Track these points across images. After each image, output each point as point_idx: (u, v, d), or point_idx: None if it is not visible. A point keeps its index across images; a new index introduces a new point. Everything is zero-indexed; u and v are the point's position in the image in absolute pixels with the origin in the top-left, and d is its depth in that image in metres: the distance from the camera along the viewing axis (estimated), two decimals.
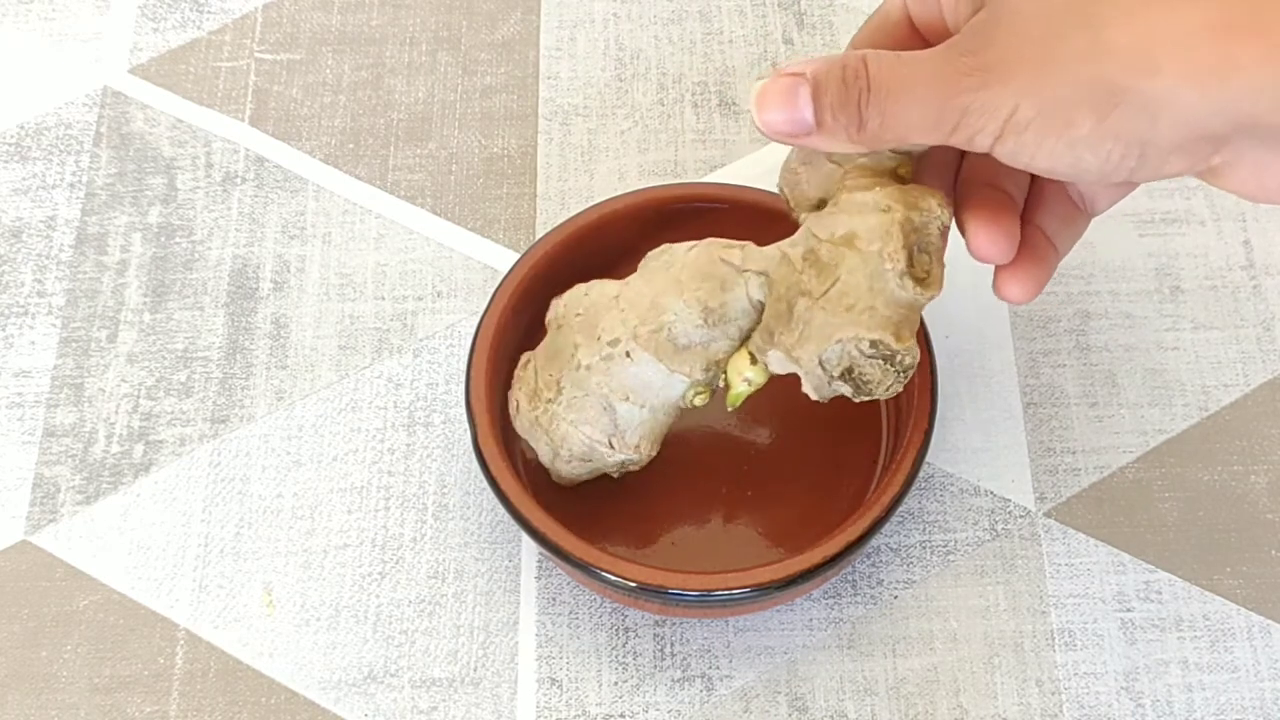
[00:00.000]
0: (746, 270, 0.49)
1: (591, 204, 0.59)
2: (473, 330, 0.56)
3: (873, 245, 0.47)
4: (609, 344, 0.51)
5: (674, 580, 0.51)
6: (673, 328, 0.50)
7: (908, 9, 0.49)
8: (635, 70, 0.68)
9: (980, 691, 0.54)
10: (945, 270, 0.48)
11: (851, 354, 0.47)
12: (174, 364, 0.61)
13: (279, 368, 0.61)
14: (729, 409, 0.52)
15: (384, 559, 0.57)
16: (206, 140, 0.66)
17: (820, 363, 0.48)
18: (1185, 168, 0.43)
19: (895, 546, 0.57)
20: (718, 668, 0.55)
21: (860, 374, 0.48)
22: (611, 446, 0.52)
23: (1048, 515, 0.57)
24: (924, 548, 0.57)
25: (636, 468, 0.53)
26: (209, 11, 0.70)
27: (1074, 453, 0.58)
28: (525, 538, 0.56)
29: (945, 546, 0.57)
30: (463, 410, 0.59)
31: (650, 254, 0.52)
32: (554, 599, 0.56)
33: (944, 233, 0.48)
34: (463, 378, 0.58)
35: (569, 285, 0.55)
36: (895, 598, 0.56)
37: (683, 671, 0.55)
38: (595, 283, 0.53)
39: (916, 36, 0.49)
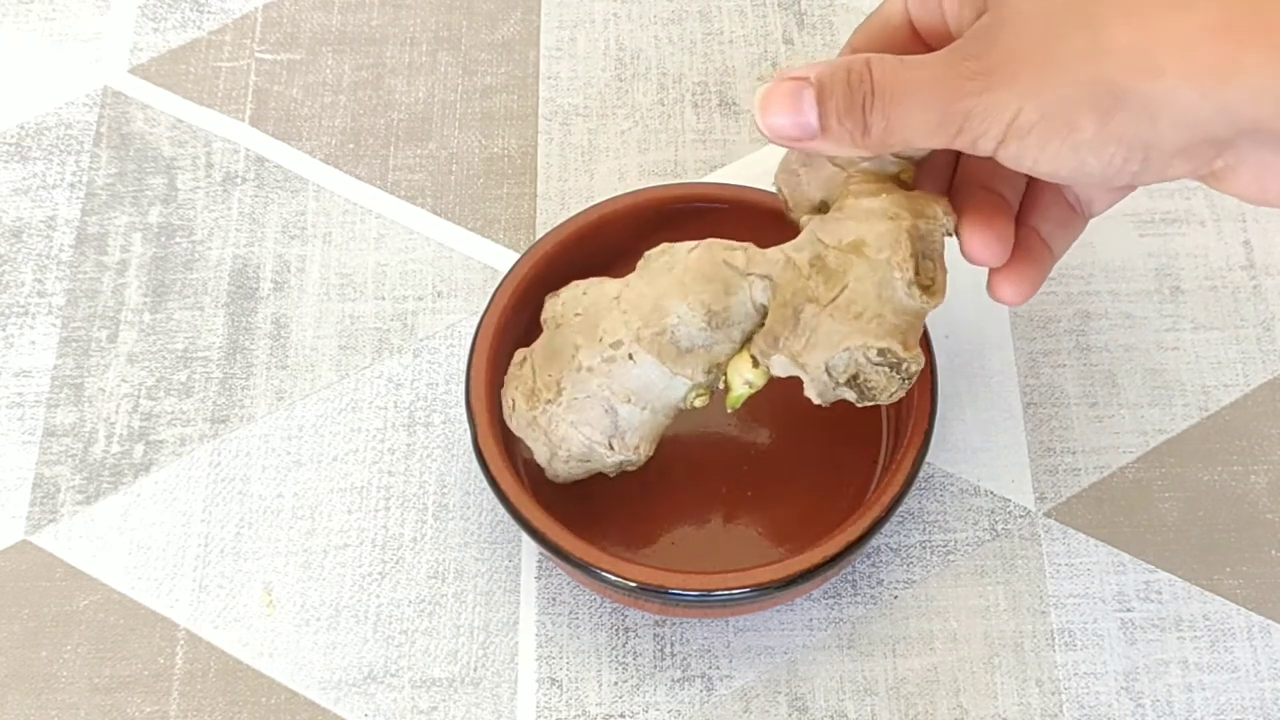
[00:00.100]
0: (750, 274, 0.49)
1: (591, 204, 0.59)
2: (473, 330, 0.56)
3: (881, 253, 0.47)
4: (611, 346, 0.51)
5: (674, 580, 0.51)
6: (675, 330, 0.50)
7: (909, 13, 0.49)
8: (635, 70, 0.68)
9: (980, 691, 0.54)
10: (948, 275, 0.48)
11: (859, 361, 0.47)
12: (174, 364, 0.61)
13: (279, 368, 0.61)
14: (729, 410, 0.52)
15: (384, 559, 0.57)
16: (207, 140, 0.66)
17: (827, 369, 0.48)
18: (1188, 171, 0.43)
19: (895, 546, 0.57)
20: (718, 668, 0.55)
21: (865, 380, 0.48)
22: (611, 448, 0.52)
23: (1048, 515, 0.57)
24: (924, 548, 0.57)
25: (634, 468, 0.53)
26: (209, 11, 0.70)
27: (1074, 453, 0.58)
28: (525, 538, 0.56)
29: (945, 546, 0.57)
30: (463, 410, 0.59)
31: (650, 253, 0.52)
32: (554, 599, 0.56)
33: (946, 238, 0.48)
34: (463, 378, 0.58)
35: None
36: (895, 598, 0.56)
37: (683, 671, 0.55)
38: (593, 281, 0.53)
39: (918, 40, 0.49)
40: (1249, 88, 0.40)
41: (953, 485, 0.58)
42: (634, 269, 0.52)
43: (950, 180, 0.51)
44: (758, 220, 0.56)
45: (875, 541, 0.57)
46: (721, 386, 0.52)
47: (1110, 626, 0.55)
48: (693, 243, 0.51)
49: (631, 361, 0.50)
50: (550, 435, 0.52)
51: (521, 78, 0.68)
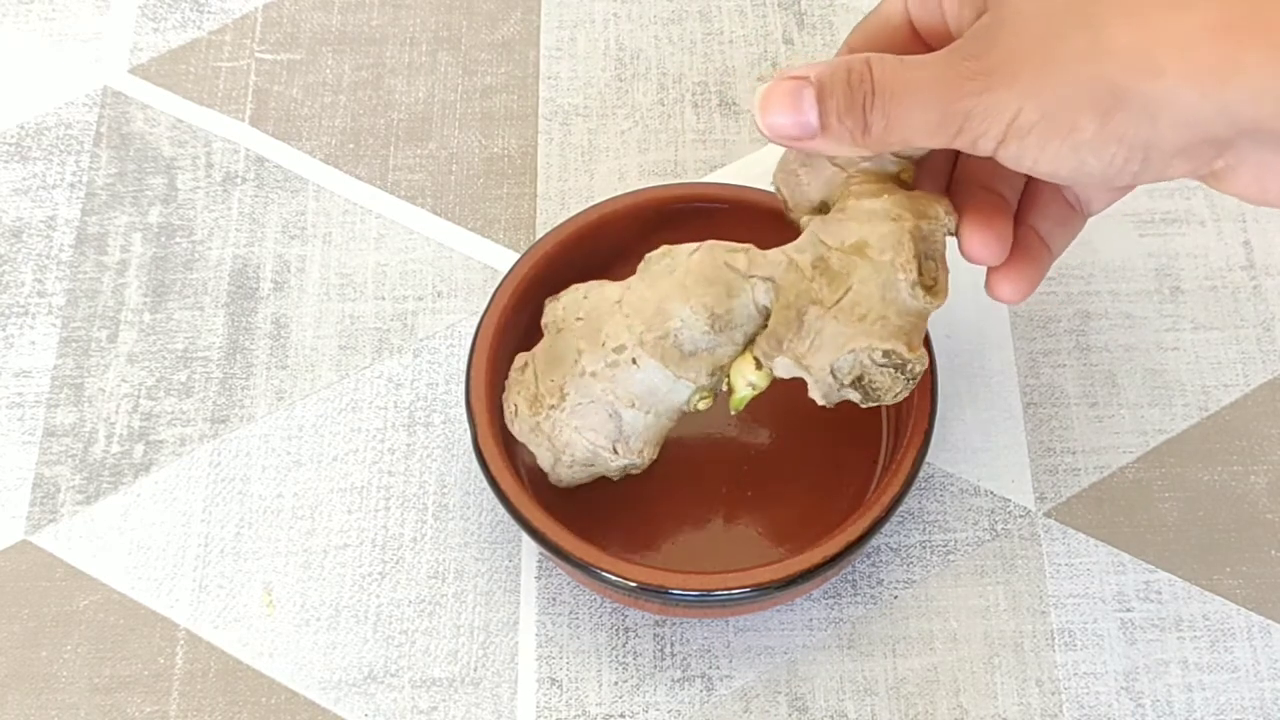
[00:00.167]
0: (752, 276, 0.49)
1: (591, 204, 0.59)
2: (473, 330, 0.56)
3: (884, 255, 0.47)
4: (614, 350, 0.50)
5: (674, 580, 0.51)
6: (679, 334, 0.50)
7: (909, 13, 0.49)
8: (635, 70, 0.68)
9: (980, 691, 0.54)
10: (949, 274, 0.48)
11: (864, 363, 0.47)
12: (174, 364, 0.61)
13: (279, 368, 0.61)
14: (732, 412, 0.52)
15: (384, 559, 0.57)
16: (207, 140, 0.66)
17: (832, 371, 0.48)
18: (1188, 171, 0.43)
19: (895, 546, 0.57)
20: (718, 668, 0.55)
21: (870, 382, 0.48)
22: (615, 452, 0.52)
23: (1048, 515, 0.57)
24: (924, 548, 0.57)
25: (637, 471, 0.53)
26: (209, 11, 0.70)
27: (1074, 453, 0.58)
28: (525, 538, 0.56)
29: (945, 546, 0.57)
30: (463, 410, 0.59)
31: (650, 256, 0.52)
32: (554, 599, 0.56)
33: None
34: (463, 378, 0.58)
35: (569, 285, 0.54)
36: (895, 598, 0.56)
37: (683, 671, 0.55)
38: (592, 285, 0.53)
39: (918, 40, 0.49)
40: (1249, 88, 0.40)
41: (953, 485, 0.58)
42: (634, 270, 0.52)
43: (949, 178, 0.51)
44: (758, 220, 0.56)
45: (875, 541, 0.57)
46: (724, 388, 0.52)
47: (1110, 626, 0.55)
48: (693, 245, 0.51)
49: (635, 366, 0.50)
50: (554, 441, 0.52)
51: (521, 78, 0.68)
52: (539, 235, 0.62)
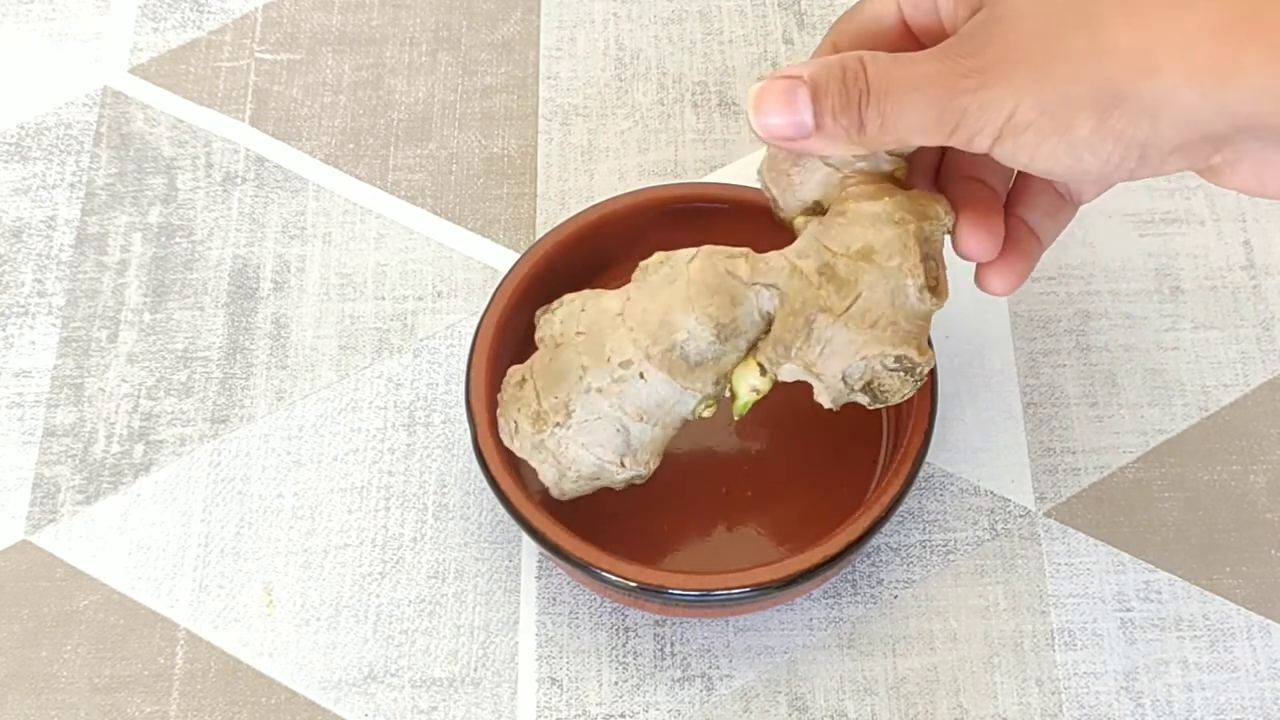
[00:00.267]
0: (755, 284, 0.49)
1: (591, 204, 0.59)
2: (473, 330, 0.56)
3: (892, 260, 0.47)
4: (620, 365, 0.50)
5: (674, 580, 0.51)
6: (685, 346, 0.49)
7: (902, 12, 0.48)
8: (635, 70, 0.68)
9: (980, 691, 0.54)
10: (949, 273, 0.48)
11: (875, 369, 0.47)
12: (174, 364, 0.61)
13: (279, 368, 0.61)
14: (735, 418, 0.51)
15: (384, 559, 0.57)
16: (206, 140, 0.66)
17: (843, 378, 0.48)
18: (1185, 166, 0.43)
19: (895, 546, 0.57)
20: (718, 667, 0.55)
21: (880, 385, 0.48)
22: (623, 465, 0.51)
23: (1048, 515, 0.57)
24: (924, 547, 0.57)
25: (641, 481, 0.53)
26: (209, 11, 0.70)
27: (1074, 453, 0.58)
28: (525, 538, 0.56)
29: (945, 546, 0.57)
30: (463, 410, 0.59)
31: (646, 264, 0.51)
32: (554, 599, 0.56)
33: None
34: (463, 378, 0.58)
35: (569, 285, 0.54)
36: (895, 597, 0.56)
37: (683, 671, 0.55)
38: (587, 294, 0.52)
39: (909, 38, 0.49)
40: (1249, 87, 0.40)
41: (953, 485, 0.58)
42: (633, 269, 0.52)
43: (937, 170, 0.50)
44: (758, 220, 0.56)
45: (875, 541, 0.56)
46: (727, 394, 0.51)
47: (1110, 626, 0.55)
48: (690, 251, 0.51)
49: (642, 380, 0.50)
50: (560, 458, 0.51)
51: (521, 78, 0.68)
52: (539, 235, 0.62)
